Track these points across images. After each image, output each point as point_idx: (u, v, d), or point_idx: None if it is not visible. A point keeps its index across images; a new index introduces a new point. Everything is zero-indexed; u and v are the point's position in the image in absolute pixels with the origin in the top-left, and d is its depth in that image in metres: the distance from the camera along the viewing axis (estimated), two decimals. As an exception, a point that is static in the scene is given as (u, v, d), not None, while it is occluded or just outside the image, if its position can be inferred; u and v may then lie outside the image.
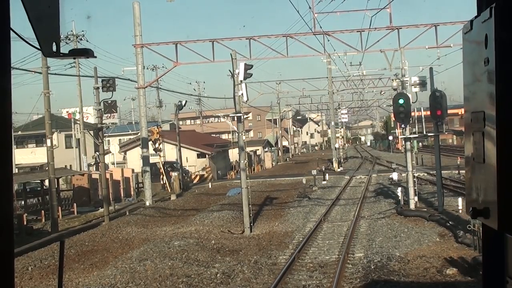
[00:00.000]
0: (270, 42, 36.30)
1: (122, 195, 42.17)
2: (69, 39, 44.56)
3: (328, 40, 34.75)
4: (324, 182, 40.63)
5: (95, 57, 2.77)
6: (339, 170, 54.27)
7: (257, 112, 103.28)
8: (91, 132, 51.91)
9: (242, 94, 22.49)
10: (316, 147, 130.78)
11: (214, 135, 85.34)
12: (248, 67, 22.78)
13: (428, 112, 24.08)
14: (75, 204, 35.95)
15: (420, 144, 76.85)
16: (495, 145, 1.92)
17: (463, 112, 2.41)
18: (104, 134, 39.44)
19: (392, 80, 30.69)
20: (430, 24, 33.81)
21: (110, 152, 51.21)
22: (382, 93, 70.32)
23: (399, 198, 26.15)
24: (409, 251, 16.74)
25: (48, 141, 29.48)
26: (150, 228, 25.15)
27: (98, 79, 33.04)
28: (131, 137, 64.99)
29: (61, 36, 2.56)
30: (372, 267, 15.02)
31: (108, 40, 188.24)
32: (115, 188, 40.42)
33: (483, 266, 2.22)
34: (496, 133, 1.91)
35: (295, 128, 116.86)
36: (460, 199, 22.38)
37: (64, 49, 2.44)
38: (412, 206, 24.44)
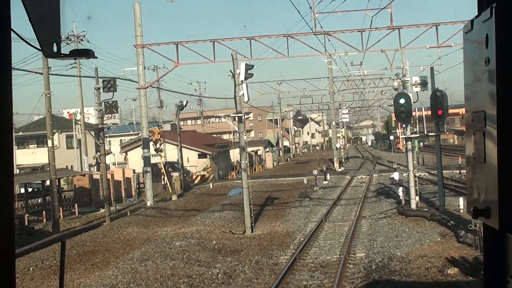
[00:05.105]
0: (271, 42, 36.25)
1: (123, 195, 42.19)
2: (70, 40, 44.59)
3: (329, 40, 34.81)
4: (325, 182, 40.61)
5: (96, 57, 2.77)
6: (340, 170, 54.25)
7: (258, 112, 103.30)
8: (92, 132, 51.94)
9: (243, 94, 22.48)
10: (317, 147, 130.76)
11: (215, 135, 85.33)
12: (249, 67, 22.76)
13: (429, 112, 24.06)
14: (76, 205, 35.97)
15: (421, 143, 76.86)
16: (496, 145, 1.92)
17: (464, 112, 2.41)
18: (105, 135, 39.45)
19: (393, 80, 30.73)
20: (431, 23, 33.80)
21: (111, 152, 51.24)
22: (383, 93, 70.36)
23: (400, 198, 26.15)
24: (411, 251, 16.73)
25: (49, 141, 29.51)
26: (151, 228, 25.16)
27: (99, 79, 33.09)
28: (132, 137, 65.07)
29: (62, 37, 2.57)
30: (374, 267, 15.01)
31: (109, 40, 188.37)
32: (116, 189, 40.44)
33: (484, 266, 2.22)
34: (497, 133, 1.91)
35: (296, 128, 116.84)
36: (461, 199, 22.37)
37: (65, 49, 2.44)
38: (413, 206, 24.43)
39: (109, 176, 36.19)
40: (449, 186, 30.11)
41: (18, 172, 47.78)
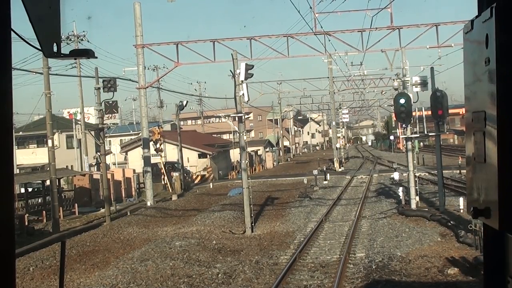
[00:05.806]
0: (271, 42, 36.29)
1: (123, 195, 42.18)
2: (70, 40, 44.59)
3: (329, 40, 34.82)
4: (325, 182, 40.62)
5: (96, 57, 2.77)
6: (340, 170, 54.26)
7: (258, 112, 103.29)
8: (92, 132, 51.91)
9: (243, 94, 22.48)
10: (317, 147, 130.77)
11: (215, 135, 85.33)
12: (249, 67, 22.76)
13: (429, 112, 24.07)
14: (76, 205, 35.96)
15: (421, 143, 76.86)
16: (496, 145, 1.92)
17: (464, 112, 2.41)
18: (105, 135, 39.44)
19: (393, 80, 30.71)
20: (431, 23, 33.81)
21: (111, 152, 51.26)
22: (383, 93, 70.34)
23: (400, 198, 26.14)
24: (411, 251, 16.73)
25: (49, 141, 29.50)
26: (151, 228, 25.16)
27: (99, 79, 33.06)
28: (132, 137, 65.07)
29: (62, 37, 2.57)
30: (374, 267, 15.01)
31: (109, 40, 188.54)
32: (116, 189, 40.43)
33: (484, 266, 2.22)
34: (497, 133, 1.91)
35: (296, 128, 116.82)
36: (461, 199, 22.36)
37: (65, 49, 2.45)
38: (413, 206, 24.43)
39: (109, 176, 36.18)
40: (449, 186, 30.11)
41: (18, 172, 47.77)
